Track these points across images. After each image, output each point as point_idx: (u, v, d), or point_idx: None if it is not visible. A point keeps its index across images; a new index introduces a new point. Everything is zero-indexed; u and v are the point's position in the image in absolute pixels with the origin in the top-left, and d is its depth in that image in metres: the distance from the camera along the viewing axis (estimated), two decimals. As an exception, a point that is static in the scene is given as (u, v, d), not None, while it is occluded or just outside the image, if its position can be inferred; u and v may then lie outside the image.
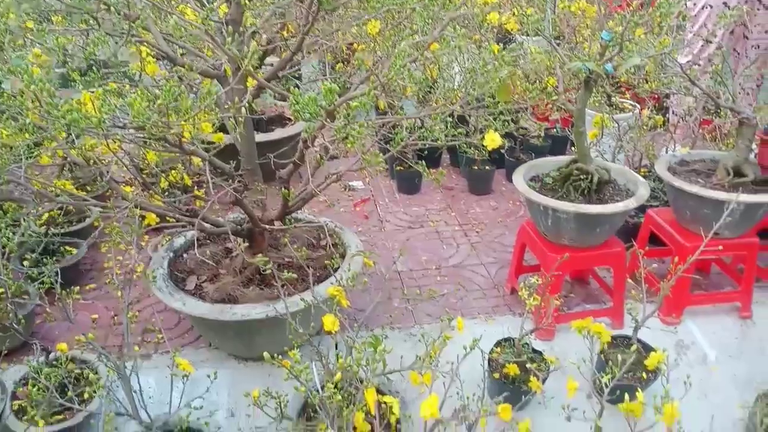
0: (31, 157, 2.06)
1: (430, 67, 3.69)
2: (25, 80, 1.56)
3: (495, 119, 2.34)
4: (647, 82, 4.22)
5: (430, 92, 5.07)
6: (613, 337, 2.75)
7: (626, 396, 1.94)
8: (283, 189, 2.35)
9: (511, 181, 4.68)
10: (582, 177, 2.86)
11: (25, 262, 3.04)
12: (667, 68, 3.81)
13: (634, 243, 2.92)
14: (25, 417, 2.22)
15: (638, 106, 4.84)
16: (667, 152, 3.94)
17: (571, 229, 2.78)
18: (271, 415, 1.97)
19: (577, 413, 2.18)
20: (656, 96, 5.03)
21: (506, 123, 2.36)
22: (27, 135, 1.99)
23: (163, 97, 1.72)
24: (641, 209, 3.47)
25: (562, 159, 3.13)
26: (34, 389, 1.97)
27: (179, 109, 1.77)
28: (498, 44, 2.94)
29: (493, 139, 1.99)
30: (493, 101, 2.40)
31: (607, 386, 2.00)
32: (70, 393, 2.19)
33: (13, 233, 2.13)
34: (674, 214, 3.16)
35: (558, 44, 2.97)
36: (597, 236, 2.86)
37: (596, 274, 3.37)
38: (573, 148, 4.11)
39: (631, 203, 2.77)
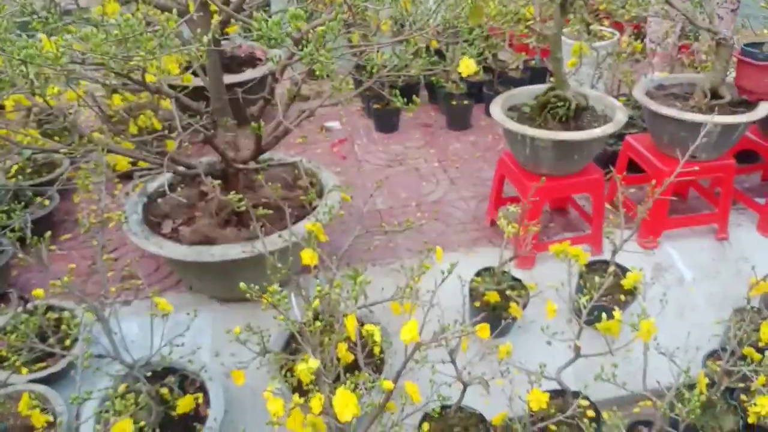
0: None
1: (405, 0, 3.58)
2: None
3: (470, 46, 2.28)
4: (625, 8, 4.14)
5: (403, 26, 4.96)
6: (592, 262, 2.79)
7: (604, 316, 1.97)
8: (254, 125, 2.29)
9: (489, 115, 4.64)
10: (559, 104, 2.83)
11: (-3, 214, 2.98)
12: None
13: (612, 169, 2.92)
14: (7, 365, 2.21)
15: (617, 33, 4.76)
16: (646, 77, 3.90)
17: (549, 157, 2.76)
18: (254, 351, 1.98)
19: (557, 336, 2.23)
20: (636, 24, 4.95)
21: (482, 51, 2.30)
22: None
23: (122, 28, 1.64)
24: (620, 137, 3.46)
25: (540, 87, 3.09)
26: (14, 337, 1.95)
27: (139, 41, 1.70)
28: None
29: (467, 66, 1.94)
30: (467, 27, 2.33)
31: (585, 307, 2.03)
32: (51, 340, 2.18)
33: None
34: (652, 139, 3.15)
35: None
36: (575, 163, 2.85)
37: (575, 203, 3.38)
38: (551, 78, 4.07)
39: (608, 128, 2.76)
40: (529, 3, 3.25)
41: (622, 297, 2.56)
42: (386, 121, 4.58)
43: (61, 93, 2.53)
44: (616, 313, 1.92)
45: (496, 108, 2.91)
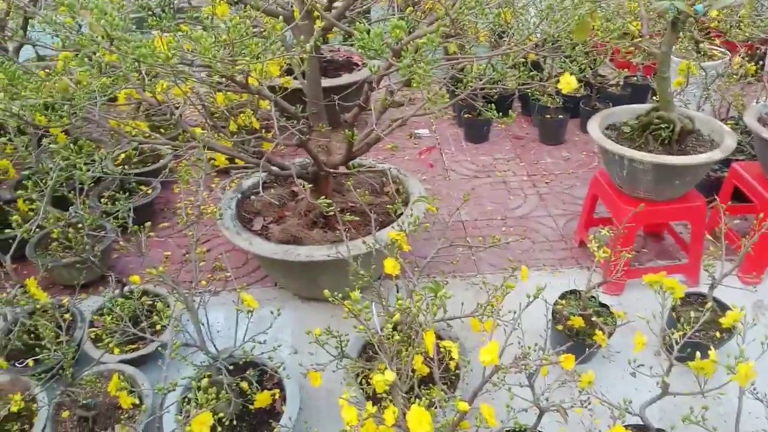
0: (105, 95, 2.11)
1: (504, 10, 3.53)
2: (95, 15, 1.57)
3: (571, 62, 2.21)
4: (740, 27, 3.90)
5: (502, 37, 4.89)
6: (687, 294, 2.64)
7: (697, 354, 1.85)
8: (347, 131, 2.33)
9: (584, 131, 4.50)
10: (663, 126, 2.69)
11: (102, 200, 3.18)
12: (764, 11, 3.50)
13: (716, 198, 2.76)
14: (101, 344, 2.35)
15: (729, 53, 4.49)
16: (758, 103, 3.66)
17: (648, 180, 2.64)
18: (331, 354, 2.01)
19: (643, 369, 2.12)
20: (750, 45, 4.65)
21: (583, 67, 2.23)
22: (101, 75, 2.04)
23: (230, 32, 1.71)
24: (725, 163, 3.25)
25: (642, 107, 2.96)
26: (109, 319, 2.07)
27: (245, 45, 1.76)
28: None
29: (568, 82, 1.89)
30: (570, 42, 2.26)
31: (677, 343, 1.92)
32: (143, 324, 2.29)
33: (89, 170, 2.21)
34: (762, 168, 2.94)
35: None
36: (676, 189, 2.70)
37: (672, 229, 3.21)
38: (654, 98, 3.89)
39: (715, 154, 2.60)
40: (637, 18, 3.12)
41: (718, 334, 2.41)
42: (476, 131, 4.53)
43: (168, 88, 2.68)
44: (712, 353, 1.80)
45: (594, 126, 2.81)
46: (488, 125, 4.52)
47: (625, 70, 4.82)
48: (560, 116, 4.38)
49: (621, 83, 4.70)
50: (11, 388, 2.33)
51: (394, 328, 1.75)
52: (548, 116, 4.38)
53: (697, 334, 2.27)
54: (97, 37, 1.81)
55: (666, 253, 3.20)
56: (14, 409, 2.13)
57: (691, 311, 2.44)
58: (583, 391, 2.00)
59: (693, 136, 2.79)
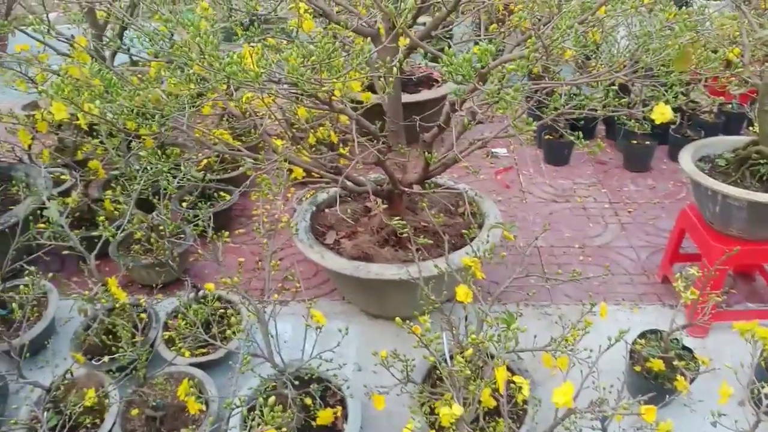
0: (193, 107, 2.17)
1: (593, 30, 3.42)
2: (191, 33, 1.62)
3: (667, 90, 2.10)
4: None
5: (589, 58, 4.74)
6: (779, 345, 2.44)
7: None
8: (425, 153, 2.30)
9: (673, 159, 4.30)
10: (762, 162, 2.52)
11: (183, 204, 3.28)
12: None
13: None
14: (173, 347, 2.41)
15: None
16: None
17: (742, 218, 2.47)
18: (396, 377, 1.97)
19: (725, 420, 1.97)
20: None
21: (678, 95, 2.11)
22: (191, 85, 2.10)
23: (318, 53, 1.72)
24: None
25: (739, 140, 2.79)
26: (183, 323, 2.12)
27: (331, 66, 1.77)
28: (675, 7, 2.64)
29: (663, 113, 1.78)
30: (666, 71, 2.15)
31: (767, 397, 1.77)
32: (214, 329, 2.34)
33: (174, 177, 2.28)
34: None
35: (746, 8, 2.60)
36: (773, 229, 2.52)
37: (764, 271, 3.00)
38: (751, 128, 3.66)
39: (820, 195, 2.40)
40: (737, 45, 2.95)
41: (815, 391, 2.21)
42: (557, 153, 4.41)
43: (252, 99, 2.73)
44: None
45: (686, 157, 2.67)
46: (570, 148, 4.38)
47: (720, 97, 4.57)
48: (647, 142, 4.20)
49: (715, 111, 4.46)
50: (86, 382, 2.43)
51: (465, 361, 1.70)
52: (634, 141, 4.20)
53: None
54: (190, 51, 1.86)
55: (757, 296, 2.99)
56: (88, 403, 2.21)
57: (786, 364, 2.26)
58: (660, 441, 1.88)
59: (796, 174, 2.59)
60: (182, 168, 2.32)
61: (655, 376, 2.29)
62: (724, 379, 1.98)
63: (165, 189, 2.26)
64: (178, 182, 2.31)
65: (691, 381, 2.27)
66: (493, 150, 4.62)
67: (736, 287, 3.04)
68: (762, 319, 2.10)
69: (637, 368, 2.32)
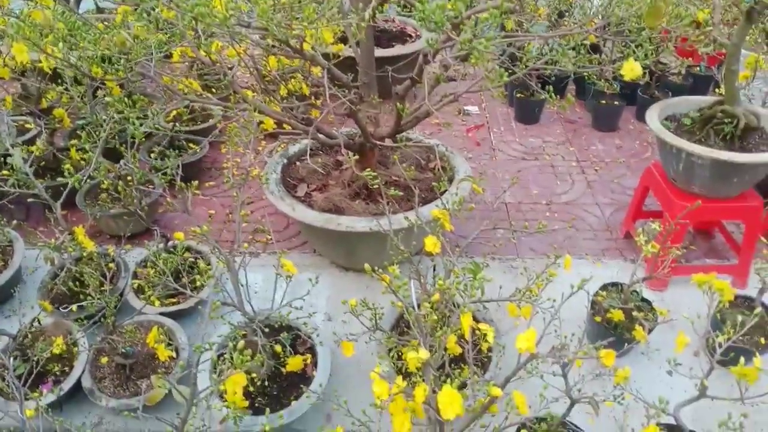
0: (161, 52, 2.12)
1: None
2: (158, -30, 1.57)
3: (637, 47, 2.12)
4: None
5: (562, 16, 4.74)
6: (734, 297, 2.55)
7: (741, 359, 1.79)
8: (398, 104, 2.30)
9: (640, 119, 4.36)
10: (726, 120, 2.58)
11: (152, 155, 3.23)
12: None
13: (775, 199, 2.64)
14: (143, 296, 2.41)
15: (802, 47, 4.26)
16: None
17: (705, 176, 2.54)
18: (365, 325, 2.01)
19: (680, 369, 2.06)
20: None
21: (649, 53, 2.13)
22: (158, 31, 2.06)
23: (288, -4, 1.69)
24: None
25: (705, 99, 2.84)
26: (152, 272, 2.12)
27: (302, 11, 1.74)
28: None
29: (632, 69, 1.80)
30: (637, 27, 2.17)
31: (721, 346, 1.86)
32: (184, 279, 2.34)
33: (141, 125, 2.24)
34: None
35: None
36: (733, 187, 2.60)
37: (724, 228, 3.10)
38: (717, 90, 3.73)
39: (779, 154, 2.48)
40: (708, 5, 2.97)
41: (763, 341, 2.33)
42: (527, 112, 4.44)
43: (223, 49, 2.68)
44: (757, 359, 1.74)
45: (653, 115, 2.71)
46: (540, 106, 4.41)
47: (689, 59, 4.62)
48: (616, 102, 4.25)
49: (683, 73, 4.52)
50: (54, 330, 2.42)
51: (432, 308, 1.74)
52: (603, 102, 4.25)
53: (741, 338, 2.20)
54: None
55: (715, 252, 3.10)
56: (56, 351, 2.21)
57: (738, 315, 2.36)
58: (617, 386, 1.97)
59: (756, 134, 2.66)
60: (150, 116, 2.28)
61: (615, 327, 2.38)
62: (681, 330, 2.06)
63: (132, 137, 2.22)
64: (145, 130, 2.27)
65: (650, 331, 2.36)
66: (465, 107, 4.62)
67: (695, 244, 3.14)
68: (720, 274, 2.18)
69: (598, 319, 2.40)
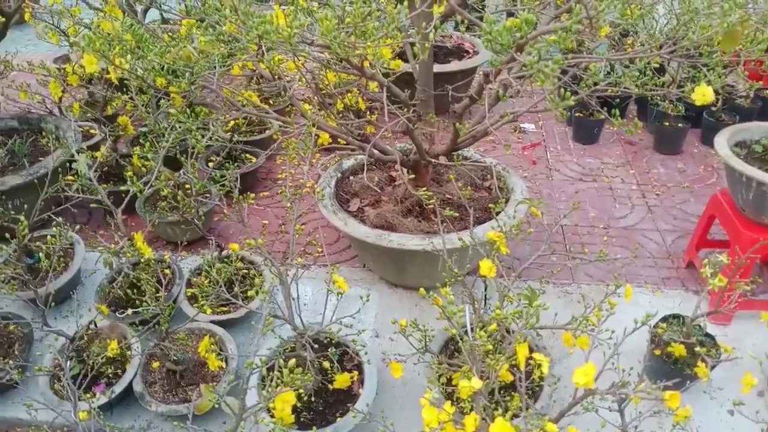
0: (224, 66, 2.16)
1: (632, 6, 3.32)
2: (226, -12, 1.59)
3: (708, 71, 2.03)
4: None
5: (624, 36, 4.62)
6: (806, 337, 2.41)
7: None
8: (455, 123, 2.27)
9: (705, 143, 4.20)
10: (801, 148, 2.45)
11: (210, 164, 3.29)
12: None
13: None
14: (196, 304, 2.44)
15: None
16: None
17: (776, 207, 2.42)
18: (414, 346, 1.98)
19: (743, 409, 1.96)
20: None
21: (721, 76, 2.04)
22: (222, 45, 2.09)
23: (352, 15, 1.69)
24: None
25: (778, 125, 2.71)
26: (206, 281, 2.14)
27: (365, 30, 1.74)
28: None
29: (704, 94, 1.73)
30: (709, 50, 2.08)
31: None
32: (236, 289, 2.36)
33: (202, 136, 2.28)
34: None
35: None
36: (807, 219, 2.46)
37: (795, 262, 2.94)
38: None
39: None
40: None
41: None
42: (586, 132, 4.33)
43: (282, 62, 2.71)
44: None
45: (723, 141, 2.60)
46: (599, 126, 4.30)
47: (759, 82, 4.42)
48: (680, 125, 4.10)
49: (752, 96, 4.33)
50: (110, 333, 2.48)
51: (486, 337, 1.69)
52: (667, 123, 4.11)
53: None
54: (223, 8, 1.84)
55: (783, 287, 2.94)
56: (110, 354, 2.25)
57: (810, 356, 2.23)
58: (677, 426, 1.88)
59: (834, 163, 2.52)
60: (210, 127, 2.32)
61: (675, 361, 2.28)
62: (748, 371, 1.95)
63: (193, 147, 2.26)
64: (206, 142, 2.31)
65: (712, 368, 2.25)
66: (521, 125, 4.55)
67: (762, 276, 2.98)
68: (789, 311, 2.06)
69: (657, 352, 2.30)
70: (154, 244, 3.23)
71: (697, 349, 2.26)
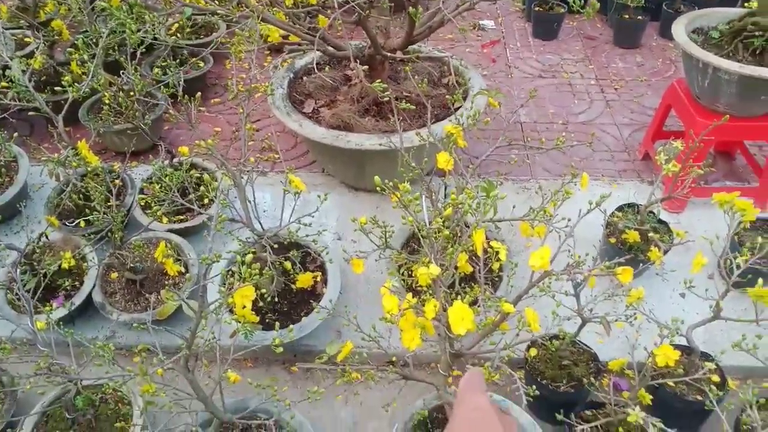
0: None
1: None
2: None
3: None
4: None
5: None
6: (753, 220, 2.49)
7: (759, 281, 1.75)
8: (410, 9, 2.16)
9: (664, 36, 4.17)
10: (757, 33, 2.43)
11: (155, 69, 3.12)
12: None
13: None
14: (150, 212, 2.38)
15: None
16: None
17: (731, 93, 2.42)
18: (376, 243, 1.98)
19: (695, 291, 2.03)
20: None
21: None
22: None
23: None
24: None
25: (736, 11, 2.67)
26: (158, 187, 2.07)
27: None
28: None
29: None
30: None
31: (739, 267, 1.81)
32: (191, 196, 2.30)
33: (139, 30, 2.14)
34: None
35: None
36: (760, 105, 2.48)
37: (746, 149, 3.00)
38: (747, 4, 3.52)
39: (813, 70, 2.34)
40: None
41: (782, 263, 2.27)
42: (546, 27, 4.23)
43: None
44: (777, 281, 1.70)
45: (680, 28, 2.56)
46: (559, 21, 4.21)
47: (719, -30, 4.35)
48: (639, 17, 4.03)
49: (712, -15, 4.26)
50: (63, 245, 2.41)
51: (443, 224, 1.69)
52: (626, 16, 4.03)
53: (759, 260, 2.15)
54: None
55: (735, 174, 3.01)
56: (65, 265, 2.20)
57: (758, 237, 2.31)
58: (629, 307, 1.94)
59: (790, 48, 2.51)
60: (148, 21, 2.17)
61: (630, 248, 2.34)
62: (700, 251, 2.01)
63: (133, 48, 2.13)
64: (144, 40, 2.17)
65: (665, 252, 2.32)
66: (480, 22, 4.42)
67: (715, 166, 3.05)
68: (739, 196, 2.11)
69: (613, 240, 2.35)
70: (102, 156, 3.11)
71: (651, 235, 2.33)
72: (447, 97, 2.39)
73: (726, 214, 1.91)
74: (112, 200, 2.16)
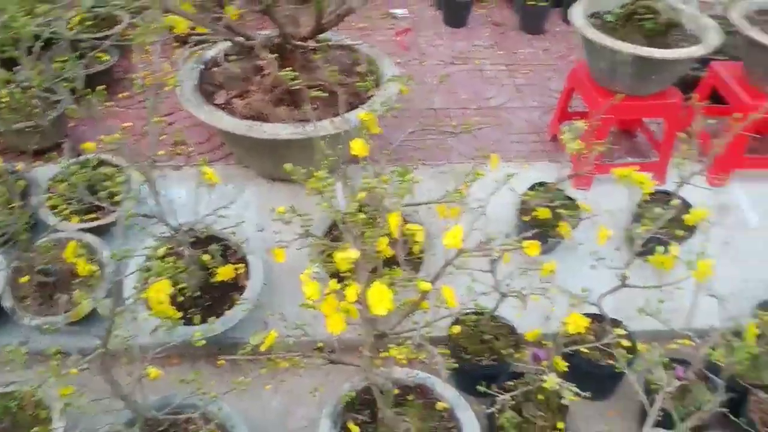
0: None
1: None
2: None
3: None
4: None
5: None
6: (653, 192, 2.65)
7: (659, 249, 1.88)
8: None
9: (567, 21, 4.33)
10: (648, 16, 2.59)
11: (55, 64, 2.97)
12: None
13: (693, 96, 2.71)
14: (59, 213, 2.28)
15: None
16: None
17: (627, 73, 2.57)
18: (297, 232, 1.98)
19: (604, 262, 2.15)
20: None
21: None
22: None
23: None
24: (705, 62, 3.18)
25: (630, -5, 2.83)
26: (63, 186, 1.99)
27: None
28: None
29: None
30: None
31: (640, 237, 1.94)
32: (101, 193, 2.21)
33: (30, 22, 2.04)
34: (744, 69, 2.89)
35: None
36: (654, 84, 2.65)
37: (645, 127, 3.19)
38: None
39: (698, 50, 2.53)
40: None
41: (680, 232, 2.44)
42: (456, 15, 4.32)
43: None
44: (674, 248, 1.83)
45: (578, 12, 2.69)
46: (468, 9, 4.31)
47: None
48: (543, 3, 4.19)
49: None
50: (-36, 252, 2.27)
51: (360, 209, 1.71)
52: (531, 3, 4.18)
53: (660, 230, 2.30)
54: None
55: (637, 151, 3.20)
56: (-34, 273, 2.07)
57: (657, 208, 2.46)
58: (543, 280, 2.04)
59: (677, 30, 2.69)
60: (40, 11, 2.07)
61: (541, 224, 2.44)
62: (603, 224, 2.13)
63: (26, 40, 2.02)
64: (39, 33, 2.07)
65: (574, 227, 2.44)
66: (392, 10, 4.46)
67: (619, 143, 3.22)
68: (640, 171, 2.25)
69: (526, 218, 2.45)
70: (4, 156, 2.92)
71: (560, 211, 2.44)
72: (358, 84, 2.41)
73: (623, 187, 2.04)
74: (15, 202, 2.05)
